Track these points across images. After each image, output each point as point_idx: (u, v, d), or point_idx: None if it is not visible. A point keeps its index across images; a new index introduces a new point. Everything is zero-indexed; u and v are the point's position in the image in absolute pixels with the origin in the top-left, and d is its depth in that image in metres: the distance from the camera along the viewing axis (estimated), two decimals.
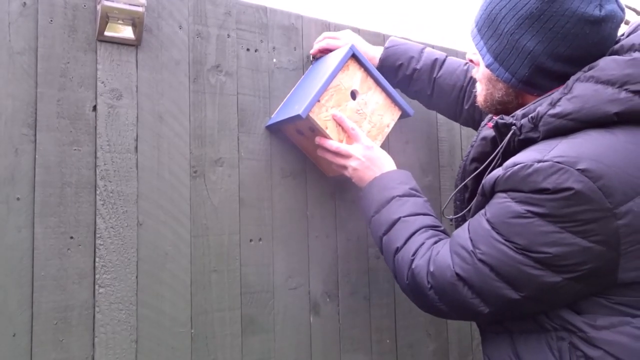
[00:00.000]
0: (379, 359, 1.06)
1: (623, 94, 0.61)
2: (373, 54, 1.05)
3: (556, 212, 0.60)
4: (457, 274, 0.68)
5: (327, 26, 1.08)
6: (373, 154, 0.90)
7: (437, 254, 0.72)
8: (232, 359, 0.90)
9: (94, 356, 0.78)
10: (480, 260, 0.66)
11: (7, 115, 0.76)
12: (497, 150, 0.72)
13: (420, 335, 1.12)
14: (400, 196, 0.83)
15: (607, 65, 0.63)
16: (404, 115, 1.01)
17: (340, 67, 0.91)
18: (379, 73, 0.97)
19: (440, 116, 1.22)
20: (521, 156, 0.65)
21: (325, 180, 1.04)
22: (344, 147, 0.90)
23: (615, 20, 0.67)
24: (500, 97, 0.75)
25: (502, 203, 0.65)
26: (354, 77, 0.95)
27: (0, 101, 0.76)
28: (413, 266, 0.74)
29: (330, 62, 0.95)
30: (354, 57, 0.94)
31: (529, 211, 0.62)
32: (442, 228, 0.81)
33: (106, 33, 0.82)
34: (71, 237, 0.78)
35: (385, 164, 0.90)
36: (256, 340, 0.93)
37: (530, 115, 0.67)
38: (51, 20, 0.80)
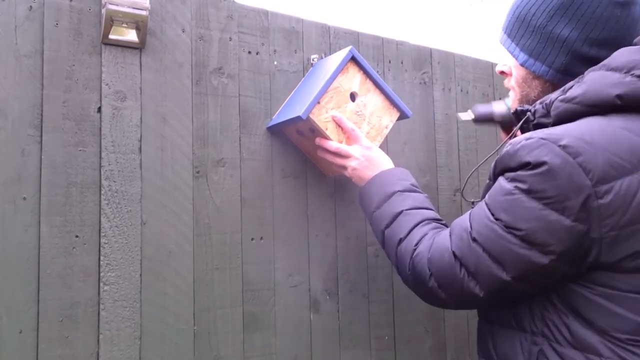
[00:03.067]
0: (378, 354, 1.08)
1: (628, 78, 0.62)
2: None
3: (536, 186, 0.61)
4: (454, 253, 0.69)
5: (327, 30, 1.09)
6: (372, 154, 0.91)
7: (437, 242, 0.73)
8: (234, 355, 0.91)
9: (99, 352, 0.80)
10: (474, 239, 0.67)
11: (13, 117, 0.77)
12: (509, 135, 0.73)
13: (418, 331, 1.14)
14: (401, 191, 0.84)
15: (619, 54, 0.64)
16: (402, 116, 1.03)
17: (340, 69, 0.93)
18: (378, 75, 0.99)
19: (437, 117, 1.24)
20: (517, 137, 0.67)
21: (325, 180, 1.05)
22: (343, 147, 0.92)
23: None
24: (536, 96, 0.76)
25: (497, 184, 0.67)
26: (353, 79, 0.96)
27: (7, 103, 0.77)
28: (414, 255, 0.75)
29: (330, 64, 0.96)
30: (353, 59, 0.96)
31: (516, 187, 0.63)
32: (443, 221, 0.82)
33: (111, 36, 0.83)
34: (76, 236, 0.80)
35: (384, 163, 0.91)
36: (257, 336, 0.94)
37: (544, 102, 0.69)
38: (57, 24, 0.81)
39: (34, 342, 0.75)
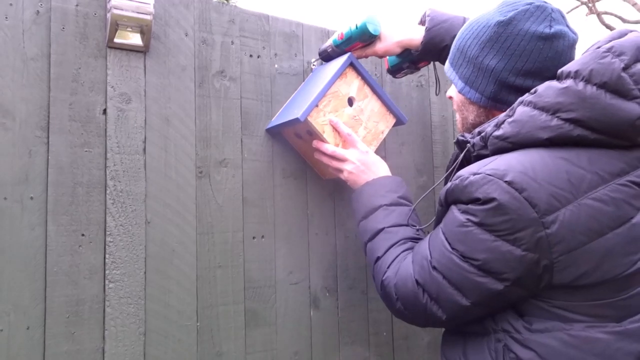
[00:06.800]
0: (376, 350, 1.10)
1: (554, 122, 0.65)
2: (412, 36, 0.99)
3: (487, 220, 0.64)
4: (417, 281, 0.73)
5: (326, 34, 1.11)
6: (368, 159, 0.93)
7: (403, 268, 0.76)
8: (236, 351, 0.93)
9: (104, 348, 0.81)
10: (434, 267, 0.70)
11: (21, 119, 0.79)
12: (452, 167, 0.77)
13: (415, 328, 1.16)
14: (387, 205, 0.86)
15: (544, 92, 0.67)
16: (398, 122, 1.04)
17: (339, 74, 0.95)
18: (375, 82, 1.01)
19: (434, 119, 1.27)
20: (464, 170, 0.70)
21: (325, 181, 1.07)
22: (340, 151, 0.93)
23: (567, 38, 0.73)
24: (473, 120, 0.80)
25: (451, 213, 0.70)
26: (351, 84, 0.98)
27: (14, 105, 0.79)
28: (383, 278, 0.79)
29: (330, 69, 0.98)
30: (352, 65, 0.98)
31: (469, 220, 0.66)
32: (421, 239, 0.84)
33: (116, 40, 0.85)
34: (82, 235, 0.82)
35: (380, 168, 0.93)
36: (259, 332, 0.96)
37: (481, 135, 0.73)
38: (63, 28, 0.83)
39: (41, 338, 0.77)
